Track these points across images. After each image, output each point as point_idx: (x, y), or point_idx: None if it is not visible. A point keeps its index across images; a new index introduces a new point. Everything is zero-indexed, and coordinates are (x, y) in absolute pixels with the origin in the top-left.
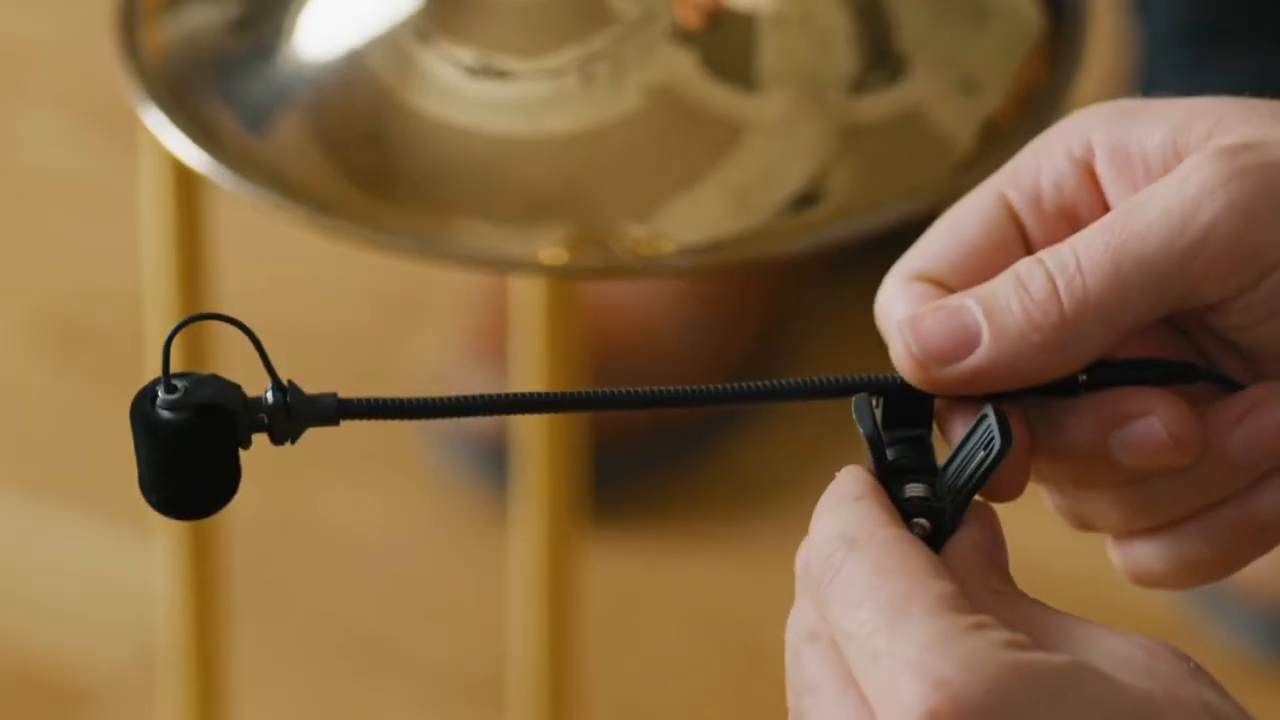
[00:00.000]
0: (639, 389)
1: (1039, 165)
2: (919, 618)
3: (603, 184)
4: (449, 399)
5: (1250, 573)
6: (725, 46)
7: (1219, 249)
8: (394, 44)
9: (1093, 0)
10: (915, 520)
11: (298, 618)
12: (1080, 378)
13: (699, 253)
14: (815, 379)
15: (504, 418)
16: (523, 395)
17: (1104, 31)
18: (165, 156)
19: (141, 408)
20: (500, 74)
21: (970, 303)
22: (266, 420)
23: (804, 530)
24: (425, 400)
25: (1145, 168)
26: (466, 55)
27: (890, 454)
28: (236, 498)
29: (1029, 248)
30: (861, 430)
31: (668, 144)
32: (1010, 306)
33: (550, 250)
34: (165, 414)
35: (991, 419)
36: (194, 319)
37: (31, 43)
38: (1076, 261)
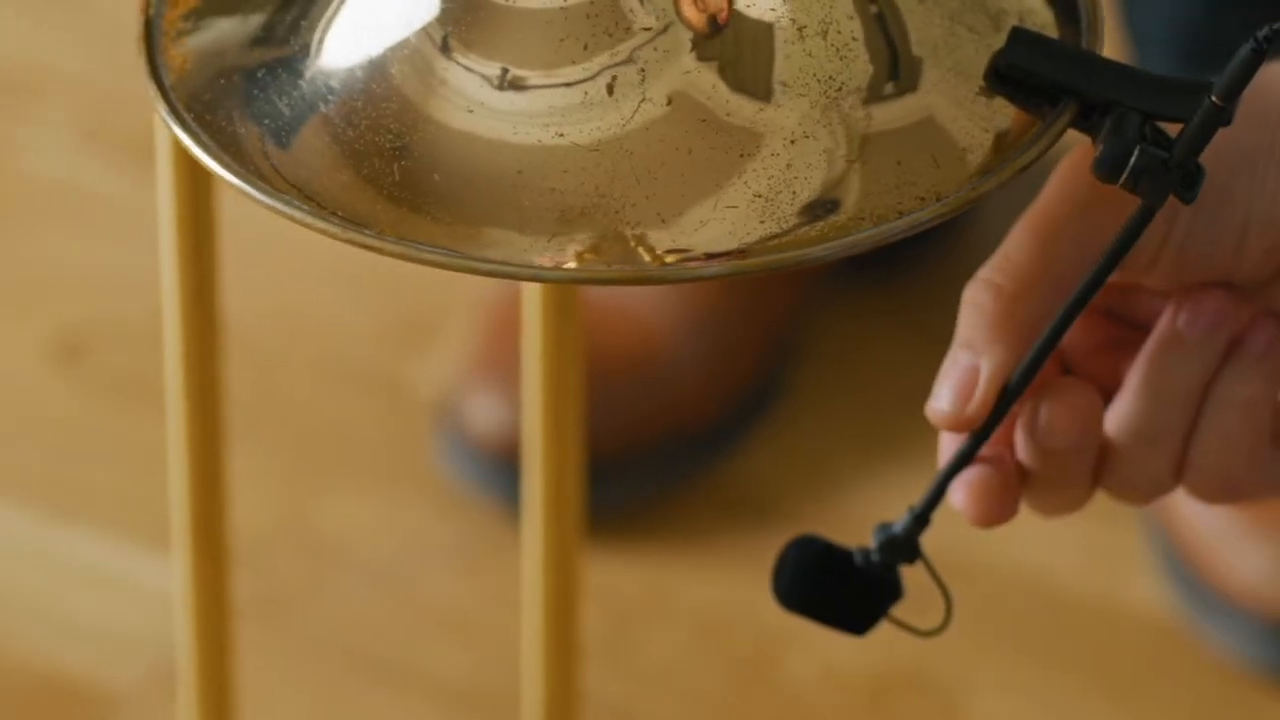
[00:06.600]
0: None
1: None
2: None
3: (627, 193)
4: None
5: (1248, 581)
6: (744, 55)
7: None
8: (419, 58)
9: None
10: None
11: (310, 631)
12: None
13: (724, 259)
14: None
15: (516, 429)
16: None
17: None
18: (179, 177)
19: None
20: (524, 86)
21: None
22: None
23: None
24: None
25: None
26: (491, 68)
27: None
28: (247, 511)
29: None
30: None
31: (690, 153)
32: None
33: (579, 259)
34: None
35: None
36: None
37: (47, 60)
38: None
